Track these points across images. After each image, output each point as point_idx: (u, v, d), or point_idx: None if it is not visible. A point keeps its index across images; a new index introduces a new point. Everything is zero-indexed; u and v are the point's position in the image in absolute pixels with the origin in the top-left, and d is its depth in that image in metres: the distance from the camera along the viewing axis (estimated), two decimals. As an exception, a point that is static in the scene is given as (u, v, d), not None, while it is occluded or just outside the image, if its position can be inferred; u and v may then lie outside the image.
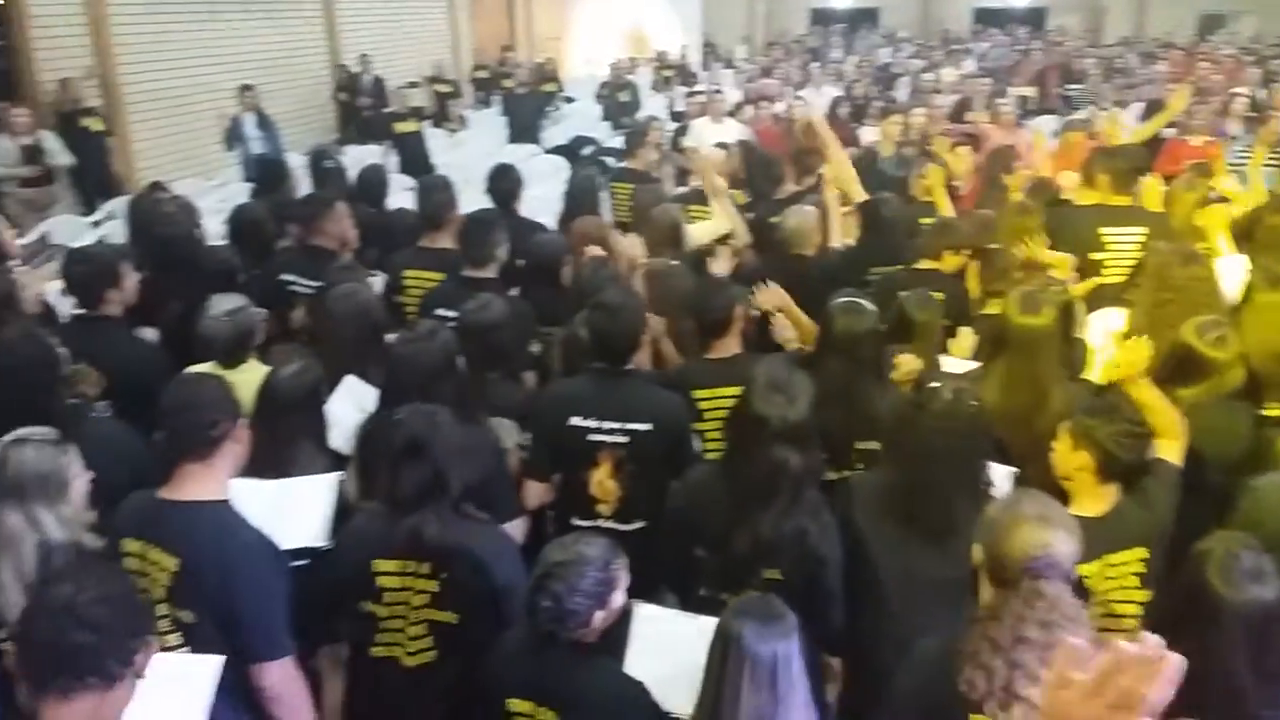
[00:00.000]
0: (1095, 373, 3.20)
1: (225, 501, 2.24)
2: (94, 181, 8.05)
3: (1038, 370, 2.91)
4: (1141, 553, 2.39)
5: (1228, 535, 2.03)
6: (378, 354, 3.01)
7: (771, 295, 3.53)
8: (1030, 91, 11.71)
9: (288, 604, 2.22)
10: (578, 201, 5.10)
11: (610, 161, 9.00)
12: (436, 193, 4.29)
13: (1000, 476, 2.57)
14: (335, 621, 2.45)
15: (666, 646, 2.20)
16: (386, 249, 4.62)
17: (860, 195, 4.58)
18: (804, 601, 2.33)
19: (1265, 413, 2.92)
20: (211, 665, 1.94)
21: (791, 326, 3.50)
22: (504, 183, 4.89)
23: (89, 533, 2.29)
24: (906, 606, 2.31)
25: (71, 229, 6.96)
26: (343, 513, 2.57)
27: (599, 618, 2.04)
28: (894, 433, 2.53)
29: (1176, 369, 2.87)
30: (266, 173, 5.96)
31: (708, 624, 2.22)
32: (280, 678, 2.18)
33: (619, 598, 2.10)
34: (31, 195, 7.33)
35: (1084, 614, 1.72)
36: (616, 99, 12.46)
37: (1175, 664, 0.99)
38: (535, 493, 2.95)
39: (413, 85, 10.11)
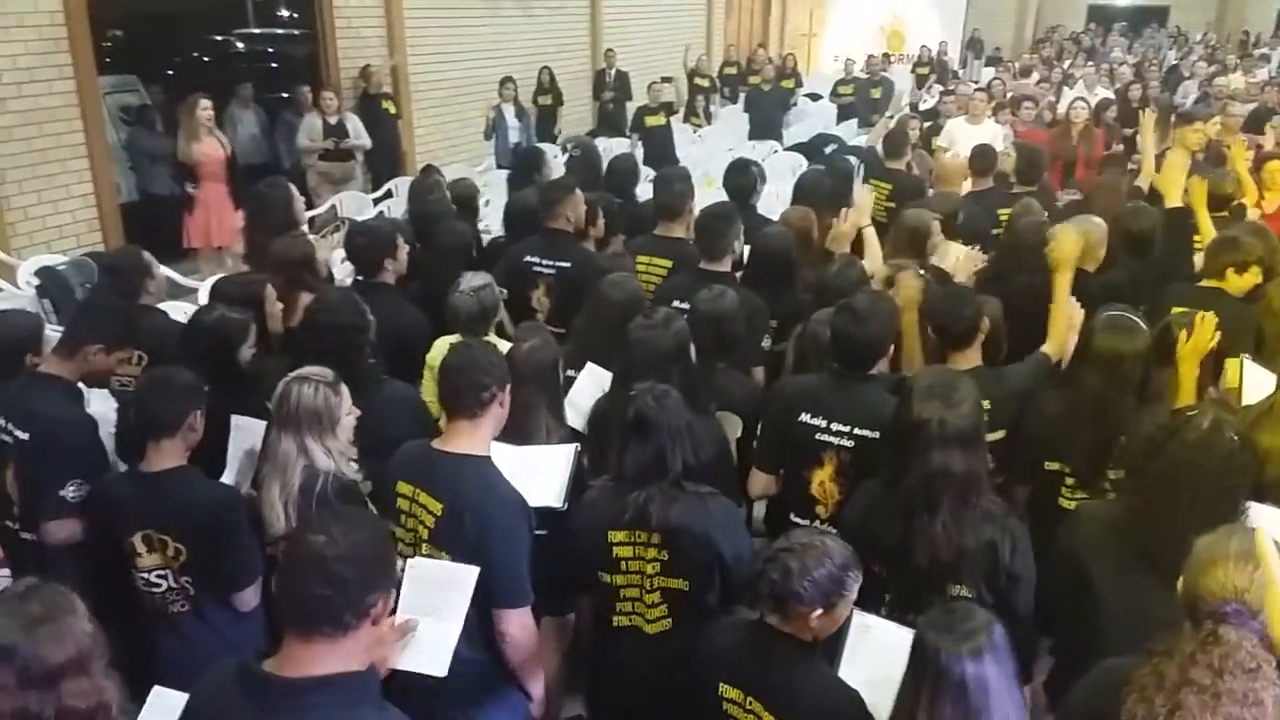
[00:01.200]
0: None
1: (487, 457, 2.45)
2: (385, 161, 8.93)
3: None
4: None
5: None
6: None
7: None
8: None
9: (531, 559, 2.39)
10: (802, 197, 5.06)
11: (853, 160, 8.84)
12: (675, 183, 4.41)
13: (1268, 519, 2.33)
14: (571, 590, 2.62)
15: (880, 656, 2.15)
16: (630, 236, 4.81)
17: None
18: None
19: None
20: (472, 574, 2.16)
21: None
22: (741, 178, 4.92)
23: (350, 464, 2.59)
24: (1127, 646, 2.16)
25: (357, 203, 7.76)
26: (579, 483, 2.71)
27: (816, 616, 2.02)
28: (1139, 457, 2.33)
29: None
30: (523, 160, 6.34)
31: None
32: (519, 625, 2.36)
33: (844, 608, 2.08)
34: (328, 169, 8.20)
35: (1269, 668, 1.55)
36: (869, 96, 12.19)
37: None
38: (760, 483, 3.00)
39: (666, 80, 10.39)
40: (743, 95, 12.86)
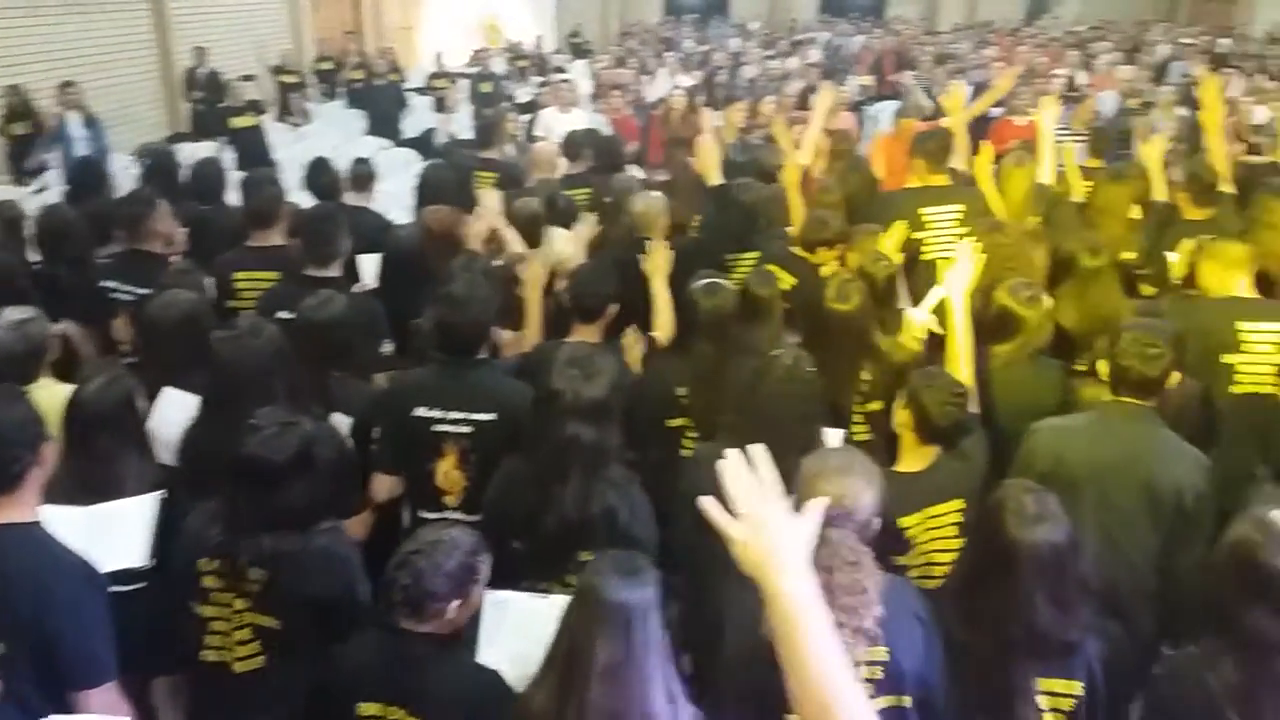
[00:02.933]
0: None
1: (35, 523, 2.11)
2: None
3: (847, 349, 3.12)
4: (959, 504, 2.55)
5: (1014, 483, 2.20)
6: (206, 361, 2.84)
7: None
8: (868, 80, 12.16)
9: (108, 628, 2.10)
10: (432, 193, 4.98)
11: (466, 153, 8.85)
12: (266, 186, 4.11)
13: (833, 439, 2.70)
14: (174, 639, 2.34)
15: (518, 628, 2.20)
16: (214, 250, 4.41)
17: (717, 179, 4.59)
18: None
19: (1074, 367, 3.26)
20: None
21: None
22: (324, 177, 4.77)
23: None
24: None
25: None
26: (172, 527, 2.43)
27: (454, 608, 2.01)
28: (737, 399, 2.62)
29: (991, 326, 3.14)
30: (83, 175, 5.55)
31: (559, 600, 2.20)
32: (104, 704, 2.06)
33: (478, 594, 2.09)
34: None
35: (867, 559, 1.83)
36: (479, 90, 12.22)
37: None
38: (384, 485, 2.91)
39: (247, 78, 9.66)
40: (343, 92, 12.35)
